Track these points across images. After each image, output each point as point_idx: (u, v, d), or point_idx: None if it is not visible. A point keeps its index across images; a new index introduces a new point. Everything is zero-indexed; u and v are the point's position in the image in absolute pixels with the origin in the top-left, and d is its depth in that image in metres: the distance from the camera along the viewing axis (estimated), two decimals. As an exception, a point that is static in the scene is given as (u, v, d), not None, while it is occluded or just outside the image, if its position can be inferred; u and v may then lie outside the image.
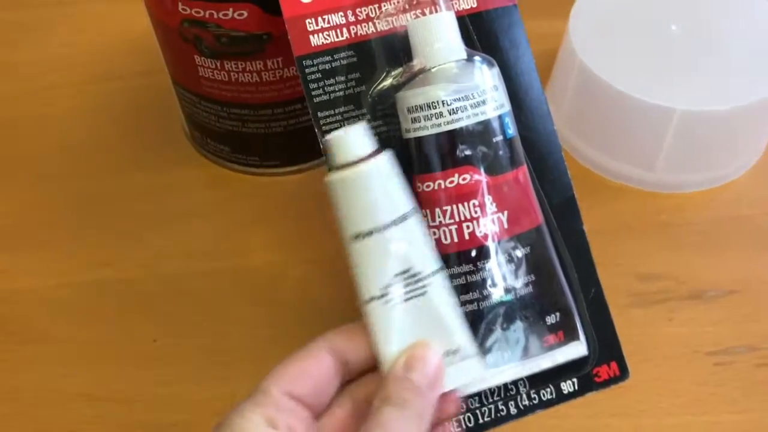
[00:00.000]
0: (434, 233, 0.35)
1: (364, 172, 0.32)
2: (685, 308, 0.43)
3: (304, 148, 0.49)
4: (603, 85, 0.45)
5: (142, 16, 0.45)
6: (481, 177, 0.35)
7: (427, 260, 0.33)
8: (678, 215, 0.47)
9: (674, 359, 0.40)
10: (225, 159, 0.50)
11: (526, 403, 0.37)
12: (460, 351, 0.33)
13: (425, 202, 0.36)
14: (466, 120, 0.35)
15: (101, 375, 0.41)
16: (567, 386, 0.37)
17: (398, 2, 0.37)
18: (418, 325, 0.33)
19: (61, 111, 0.55)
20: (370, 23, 0.37)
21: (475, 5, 0.38)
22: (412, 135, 0.36)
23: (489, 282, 0.35)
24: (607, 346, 0.38)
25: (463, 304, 0.35)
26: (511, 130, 0.36)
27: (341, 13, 0.37)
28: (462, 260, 0.35)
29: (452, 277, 0.35)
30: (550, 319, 0.36)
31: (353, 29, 0.37)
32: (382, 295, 0.33)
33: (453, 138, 0.35)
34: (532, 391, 0.37)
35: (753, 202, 0.47)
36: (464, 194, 0.35)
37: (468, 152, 0.35)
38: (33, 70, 0.58)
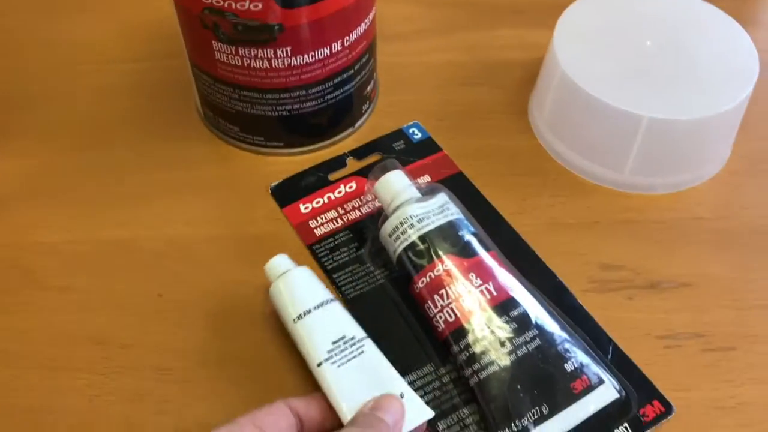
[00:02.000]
0: (440, 317, 0.42)
1: (289, 277, 0.42)
2: (641, 296, 0.47)
3: (305, 133, 0.54)
4: (580, 91, 0.49)
5: (165, 3, 0.50)
6: (461, 260, 0.43)
7: (356, 329, 0.41)
8: (642, 214, 0.51)
9: (627, 340, 0.44)
10: (234, 138, 0.54)
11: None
12: (405, 395, 0.39)
13: (425, 296, 0.43)
14: (434, 224, 0.44)
15: (110, 322, 0.46)
16: (620, 431, 0.41)
17: (368, 188, 0.50)
18: (364, 378, 0.39)
19: (89, 86, 0.60)
20: (356, 211, 0.51)
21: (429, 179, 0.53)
22: (399, 250, 0.44)
23: (497, 345, 0.41)
24: (643, 390, 0.43)
25: (475, 372, 0.41)
26: (471, 227, 0.45)
27: (333, 211, 0.51)
28: (469, 330, 0.41)
29: (465, 347, 0.41)
30: (569, 366, 0.41)
31: (345, 217, 0.50)
32: (328, 358, 0.40)
33: (427, 239, 0.44)
34: None
35: (711, 207, 0.51)
36: (451, 277, 0.43)
37: (444, 244, 0.43)
38: (64, 49, 0.63)
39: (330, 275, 0.47)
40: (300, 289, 0.42)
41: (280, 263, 0.43)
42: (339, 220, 0.50)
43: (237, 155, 0.55)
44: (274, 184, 0.52)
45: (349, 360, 0.40)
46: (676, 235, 0.50)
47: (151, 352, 0.45)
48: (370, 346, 0.41)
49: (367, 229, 0.50)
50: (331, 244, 0.49)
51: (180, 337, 0.45)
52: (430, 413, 0.39)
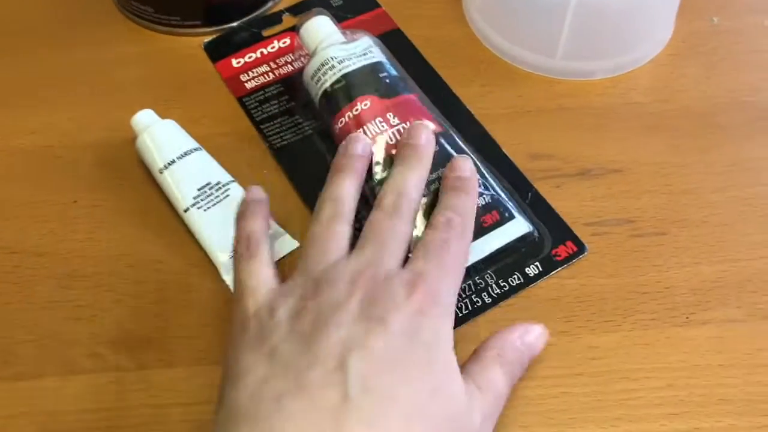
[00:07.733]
0: None
1: (153, 128, 0.44)
2: (569, 184, 0.45)
3: (222, 9, 0.52)
4: (507, -28, 0.47)
5: None
6: (381, 101, 0.43)
7: (222, 174, 0.44)
8: (574, 101, 0.49)
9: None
10: (149, 20, 0.52)
11: (498, 291, 0.41)
12: (271, 228, 0.42)
13: (344, 136, 0.43)
14: (354, 65, 0.43)
15: (22, 230, 0.44)
16: (531, 270, 0.41)
17: (298, 43, 0.49)
18: (230, 219, 0.42)
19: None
20: (288, 65, 0.51)
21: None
22: (320, 92, 0.44)
23: None
24: (558, 231, 0.43)
25: None
26: (394, 71, 0.45)
27: (266, 65, 0.51)
28: (385, 165, 0.41)
29: (381, 182, 0.41)
30: (481, 201, 0.41)
31: (277, 71, 0.51)
32: (194, 204, 0.43)
33: (348, 79, 0.43)
34: (500, 281, 0.41)
35: (647, 90, 0.50)
36: (368, 116, 0.42)
37: (364, 86, 0.43)
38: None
39: (258, 126, 0.48)
40: (164, 141, 0.44)
41: (144, 117, 0.44)
42: (271, 74, 0.50)
43: (153, 38, 0.53)
44: (207, 40, 0.53)
45: (214, 204, 0.43)
46: (609, 122, 0.48)
47: (65, 259, 0.43)
48: (235, 189, 0.43)
49: (298, 82, 0.49)
50: (261, 97, 0.49)
51: (94, 243, 0.44)
52: (294, 244, 0.43)
